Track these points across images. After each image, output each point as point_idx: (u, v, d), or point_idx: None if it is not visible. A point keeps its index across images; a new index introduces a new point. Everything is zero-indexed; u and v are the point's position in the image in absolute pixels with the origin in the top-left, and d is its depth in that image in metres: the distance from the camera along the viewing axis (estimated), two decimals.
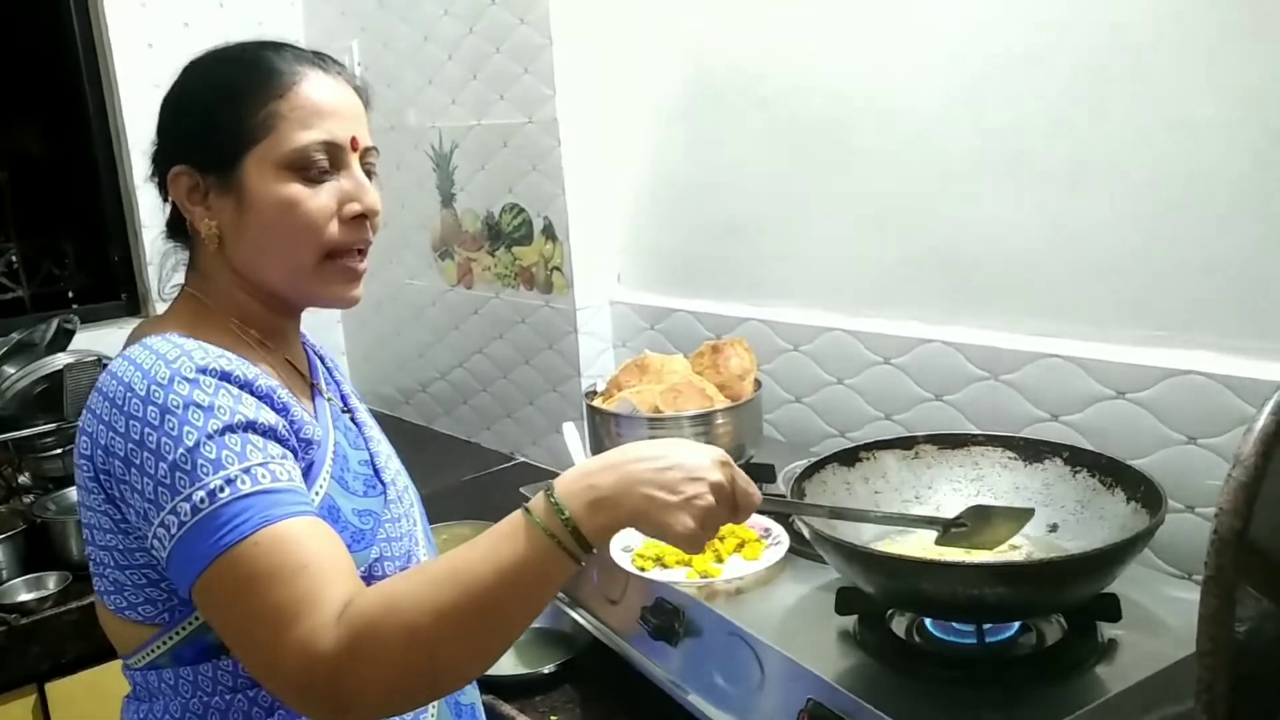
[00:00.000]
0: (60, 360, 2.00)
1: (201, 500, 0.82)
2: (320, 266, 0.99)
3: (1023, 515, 1.06)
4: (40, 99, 2.65)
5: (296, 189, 0.95)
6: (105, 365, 1.98)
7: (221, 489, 0.83)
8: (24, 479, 2.03)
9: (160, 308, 2.63)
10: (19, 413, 1.98)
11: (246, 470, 0.84)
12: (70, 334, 2.20)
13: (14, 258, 2.62)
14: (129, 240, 2.56)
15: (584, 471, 0.85)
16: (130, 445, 0.85)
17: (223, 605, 0.83)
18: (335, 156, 0.98)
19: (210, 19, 2.54)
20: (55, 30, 2.47)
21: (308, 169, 0.96)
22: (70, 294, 2.66)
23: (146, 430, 0.85)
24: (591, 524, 0.82)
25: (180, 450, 0.84)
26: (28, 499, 1.98)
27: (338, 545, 0.86)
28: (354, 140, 0.99)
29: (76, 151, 2.55)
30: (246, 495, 0.83)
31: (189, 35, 2.47)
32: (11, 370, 2.03)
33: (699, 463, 0.85)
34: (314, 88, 0.97)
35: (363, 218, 0.99)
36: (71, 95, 2.51)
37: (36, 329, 2.15)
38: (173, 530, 0.83)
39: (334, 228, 0.97)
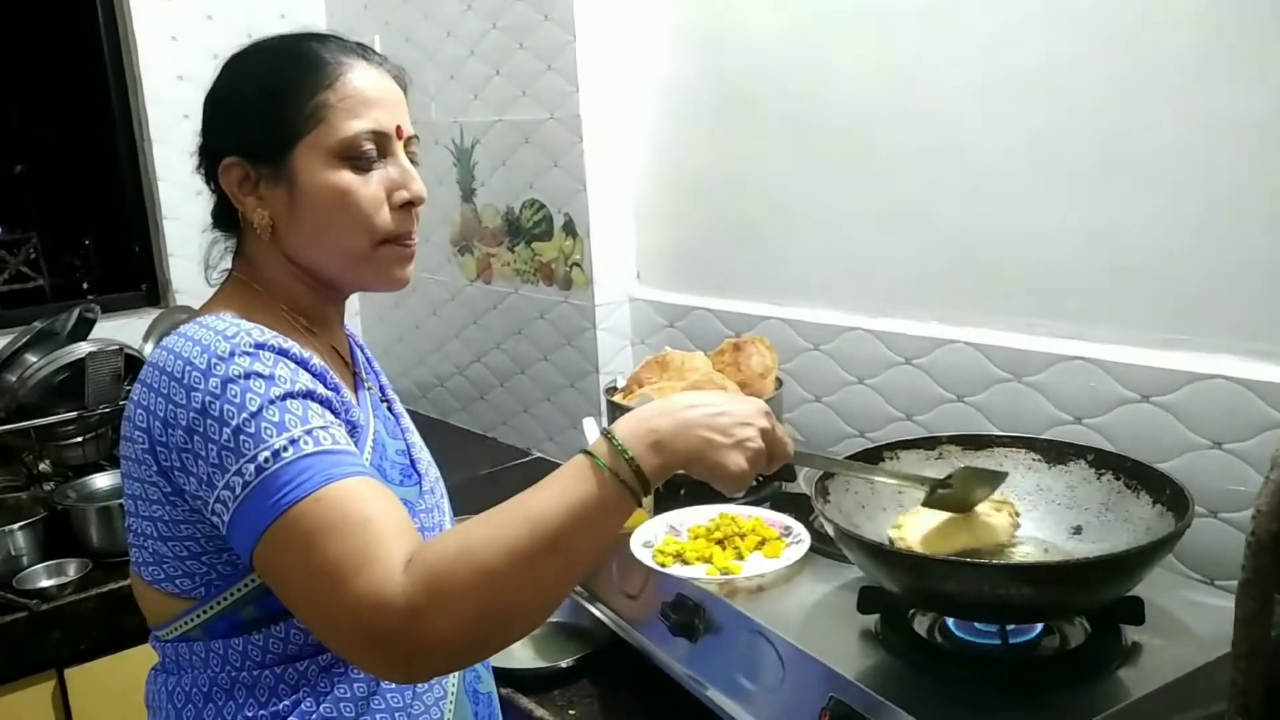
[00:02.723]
0: (81, 349, 2.01)
1: (266, 460, 0.84)
2: (375, 252, 1.01)
3: (997, 477, 1.14)
4: (64, 90, 2.66)
5: (348, 177, 0.97)
6: (127, 354, 2.00)
7: (285, 449, 0.84)
8: (45, 466, 2.04)
9: (182, 298, 2.64)
10: (40, 401, 1.99)
11: (309, 432, 0.86)
12: (91, 323, 2.21)
13: (35, 248, 2.64)
14: (149, 231, 2.57)
15: (641, 417, 0.89)
16: (193, 415, 0.87)
17: (286, 563, 0.83)
18: (382, 145, 1.00)
19: (233, 12, 2.54)
20: (80, 22, 2.48)
21: (358, 158, 0.98)
22: (85, 285, 2.67)
23: (209, 399, 0.86)
24: (652, 463, 0.86)
25: (244, 415, 0.85)
26: (48, 486, 1.99)
27: (397, 504, 0.87)
28: (399, 129, 1.01)
29: (98, 143, 2.57)
30: (309, 455, 0.84)
31: (212, 28, 2.48)
32: (33, 359, 2.04)
33: (747, 410, 0.92)
34: (360, 77, 0.99)
35: (410, 205, 1.01)
36: (95, 87, 2.52)
37: (58, 318, 2.16)
38: (237, 491, 0.84)
39: (385, 215, 0.99)
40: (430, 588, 0.78)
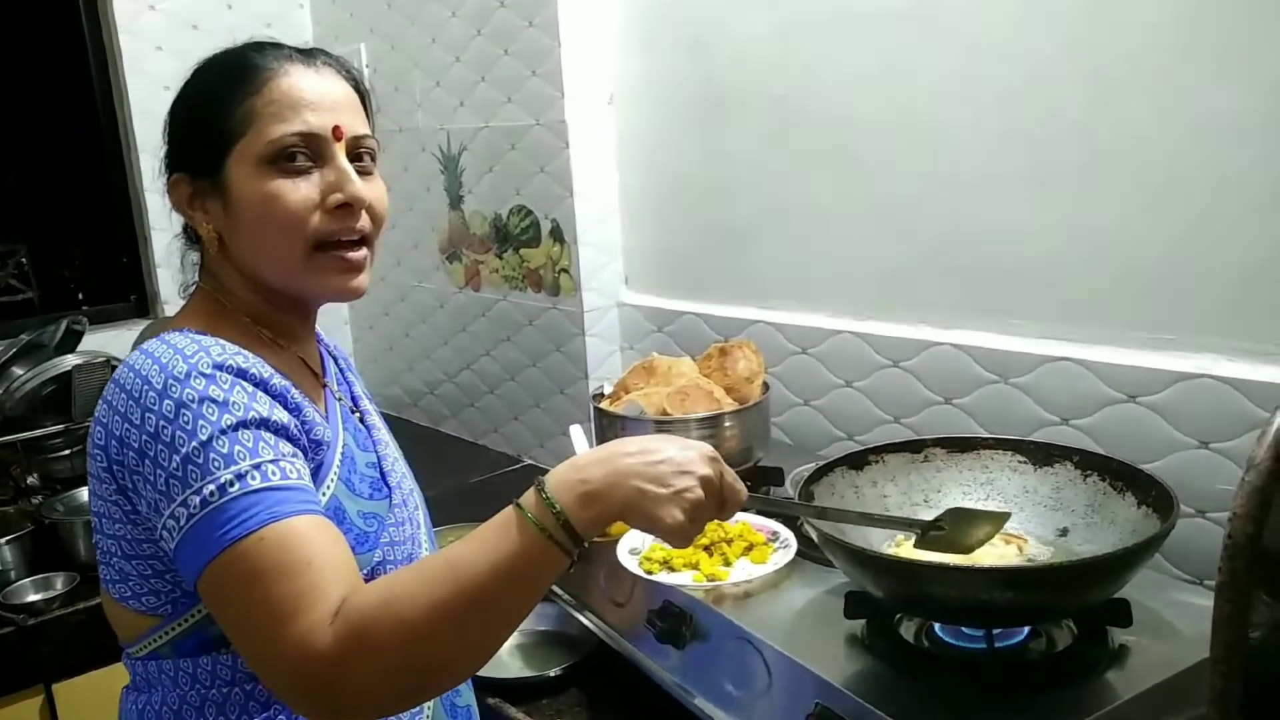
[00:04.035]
0: (69, 361, 2.00)
1: (211, 494, 0.83)
2: (310, 259, 0.97)
3: (999, 518, 1.04)
4: (51, 102, 2.66)
5: (277, 183, 0.94)
6: (114, 366, 1.99)
7: (231, 484, 0.83)
8: (32, 480, 2.04)
9: (171, 309, 2.64)
10: (28, 413, 1.98)
11: (257, 466, 0.85)
12: (79, 335, 2.20)
13: (24, 259, 2.63)
14: (138, 242, 2.57)
15: (575, 465, 0.85)
16: (145, 438, 0.86)
17: (226, 598, 0.83)
18: (316, 148, 0.96)
19: (219, 21, 2.54)
20: (66, 33, 2.48)
21: (287, 162, 0.94)
22: (80, 295, 2.67)
23: (161, 423, 0.85)
24: (582, 516, 0.82)
25: (193, 444, 0.84)
26: (36, 500, 1.99)
27: (341, 544, 0.86)
28: (336, 129, 0.96)
29: (86, 154, 2.56)
30: (255, 491, 0.83)
31: (198, 37, 2.48)
32: (20, 371, 2.04)
33: (688, 457, 0.86)
34: (291, 81, 0.96)
35: (348, 207, 0.96)
36: (82, 98, 2.51)
37: (45, 330, 2.16)
38: (182, 522, 0.83)
39: (317, 218, 0.96)
40: (354, 640, 0.77)
